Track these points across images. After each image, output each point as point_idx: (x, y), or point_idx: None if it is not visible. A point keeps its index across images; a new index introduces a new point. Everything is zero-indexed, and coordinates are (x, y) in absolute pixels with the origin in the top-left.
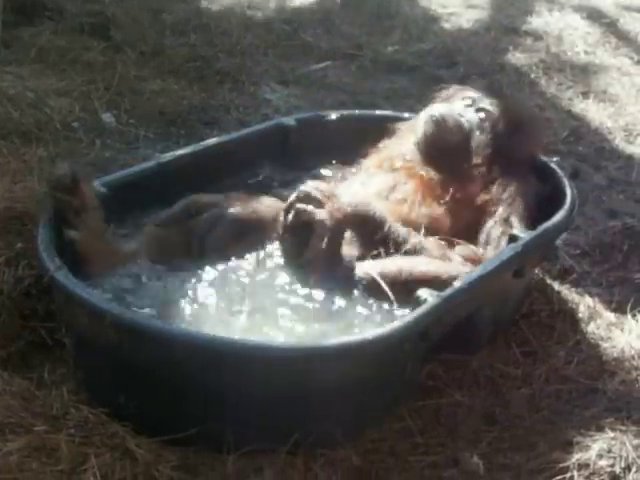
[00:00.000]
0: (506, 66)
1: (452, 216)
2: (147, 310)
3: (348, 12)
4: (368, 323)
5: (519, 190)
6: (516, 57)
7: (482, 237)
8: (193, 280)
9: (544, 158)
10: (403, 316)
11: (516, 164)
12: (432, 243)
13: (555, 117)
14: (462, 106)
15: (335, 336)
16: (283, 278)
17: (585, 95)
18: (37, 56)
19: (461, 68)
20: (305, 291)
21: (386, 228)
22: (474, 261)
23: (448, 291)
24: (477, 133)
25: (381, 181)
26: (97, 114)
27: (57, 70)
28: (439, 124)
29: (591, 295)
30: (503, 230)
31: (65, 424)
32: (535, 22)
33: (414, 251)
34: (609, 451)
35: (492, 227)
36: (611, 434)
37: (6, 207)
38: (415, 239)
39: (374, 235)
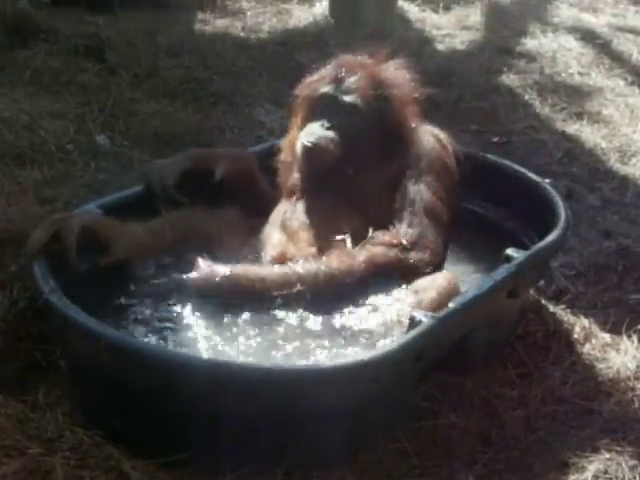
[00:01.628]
0: (500, 87)
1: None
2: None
3: (342, 34)
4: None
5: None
6: (510, 78)
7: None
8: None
9: (538, 179)
10: (399, 337)
11: (403, 132)
12: (333, 258)
13: (549, 138)
14: (319, 128)
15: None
16: None
17: (579, 116)
18: (31, 78)
19: (455, 90)
20: None
21: (259, 288)
22: (394, 244)
23: (443, 312)
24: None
25: (282, 209)
26: (92, 136)
27: (51, 92)
28: (308, 155)
29: (586, 316)
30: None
31: (60, 447)
32: (529, 43)
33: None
34: (605, 472)
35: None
36: (607, 455)
37: (1, 229)
38: (307, 269)
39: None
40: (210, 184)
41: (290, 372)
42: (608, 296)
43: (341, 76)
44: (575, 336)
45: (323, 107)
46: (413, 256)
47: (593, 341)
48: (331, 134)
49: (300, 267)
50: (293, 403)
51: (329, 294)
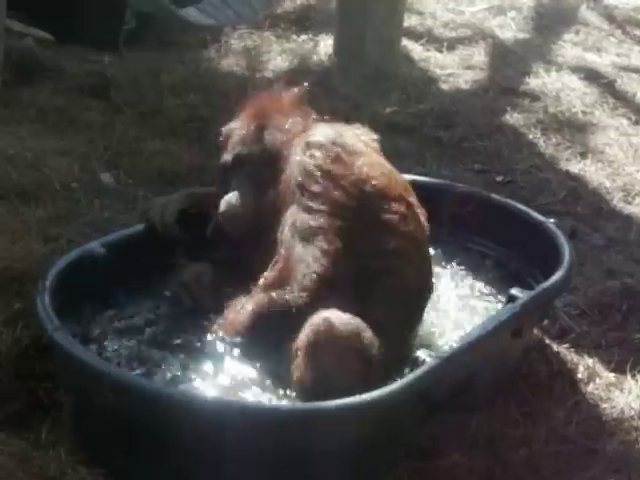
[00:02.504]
0: (504, 127)
1: None
2: None
3: (346, 74)
4: None
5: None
6: (514, 118)
7: None
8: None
9: (542, 218)
10: (403, 377)
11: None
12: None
13: (553, 177)
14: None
15: None
16: None
17: (583, 155)
18: (36, 116)
19: (459, 129)
20: None
21: None
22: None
23: (447, 352)
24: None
25: None
26: (96, 174)
27: (56, 130)
28: (225, 221)
29: (590, 355)
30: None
31: None
32: (533, 83)
33: None
34: None
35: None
36: None
37: (5, 267)
38: None
39: None
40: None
41: (293, 411)
42: (612, 335)
43: (231, 140)
44: (579, 375)
45: (227, 173)
46: (280, 295)
47: (597, 380)
48: (238, 198)
49: None
50: (295, 442)
51: None
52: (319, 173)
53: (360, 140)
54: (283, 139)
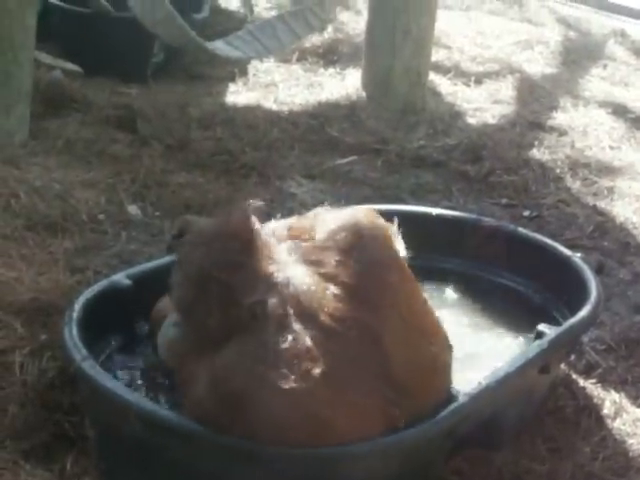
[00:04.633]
0: (531, 161)
1: None
2: None
3: (374, 107)
4: None
5: None
6: (541, 152)
7: None
8: None
9: (569, 253)
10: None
11: None
12: None
13: (580, 212)
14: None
15: None
16: None
17: (610, 190)
18: (64, 147)
19: (486, 163)
20: None
21: None
22: None
23: (475, 389)
24: None
25: None
26: (123, 206)
27: (83, 162)
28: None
29: (617, 391)
30: None
31: None
32: (560, 117)
33: None
34: None
35: None
36: None
37: (31, 298)
38: None
39: None
40: None
41: (325, 450)
42: (639, 371)
43: None
44: (605, 411)
45: None
46: None
47: (624, 416)
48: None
49: None
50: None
51: None
52: None
53: None
54: None
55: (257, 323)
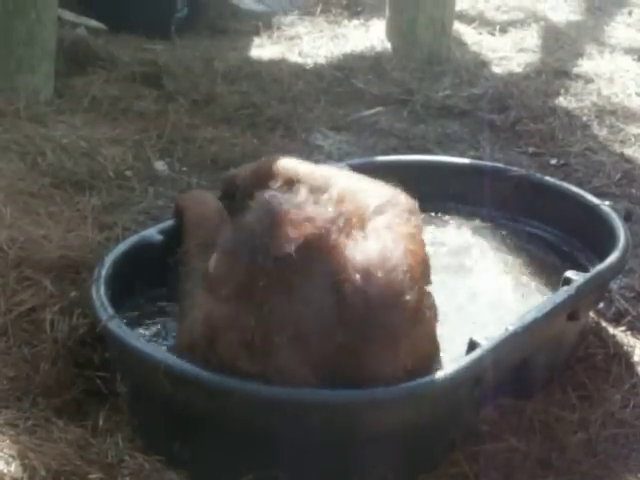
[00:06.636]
0: (557, 109)
1: None
2: None
3: (399, 58)
4: None
5: None
6: (567, 100)
7: None
8: None
9: (597, 201)
10: (457, 360)
11: None
12: None
13: (607, 160)
14: None
15: None
16: None
17: (637, 137)
18: (90, 105)
19: (513, 112)
20: None
21: None
22: None
23: (502, 335)
24: None
25: None
26: (150, 162)
27: (110, 119)
28: None
29: None
30: None
31: (120, 472)
32: (586, 65)
33: None
34: None
35: None
36: None
37: (60, 255)
38: None
39: None
40: None
41: (350, 396)
42: None
43: None
44: (635, 358)
45: None
46: None
47: None
48: None
49: None
50: (353, 427)
51: None
52: None
53: None
54: None
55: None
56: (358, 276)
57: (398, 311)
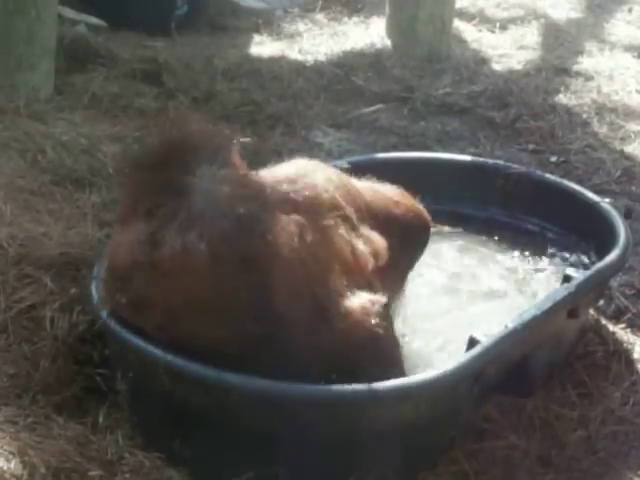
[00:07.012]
0: (557, 107)
1: None
2: None
3: (399, 55)
4: None
5: None
6: (567, 97)
7: None
8: None
9: (597, 198)
10: (457, 357)
11: None
12: None
13: (607, 157)
14: None
15: None
16: None
17: (637, 135)
18: (90, 102)
19: (512, 109)
20: None
21: None
22: None
23: (502, 332)
24: None
25: None
26: None
27: (110, 116)
28: None
29: None
30: None
31: (120, 469)
32: (586, 62)
33: None
34: None
35: None
36: None
37: (60, 253)
38: None
39: None
40: None
41: (350, 393)
42: None
43: None
44: (635, 356)
45: None
46: None
47: None
48: None
49: None
50: (352, 424)
51: None
52: None
53: None
54: None
55: None
56: None
57: None
